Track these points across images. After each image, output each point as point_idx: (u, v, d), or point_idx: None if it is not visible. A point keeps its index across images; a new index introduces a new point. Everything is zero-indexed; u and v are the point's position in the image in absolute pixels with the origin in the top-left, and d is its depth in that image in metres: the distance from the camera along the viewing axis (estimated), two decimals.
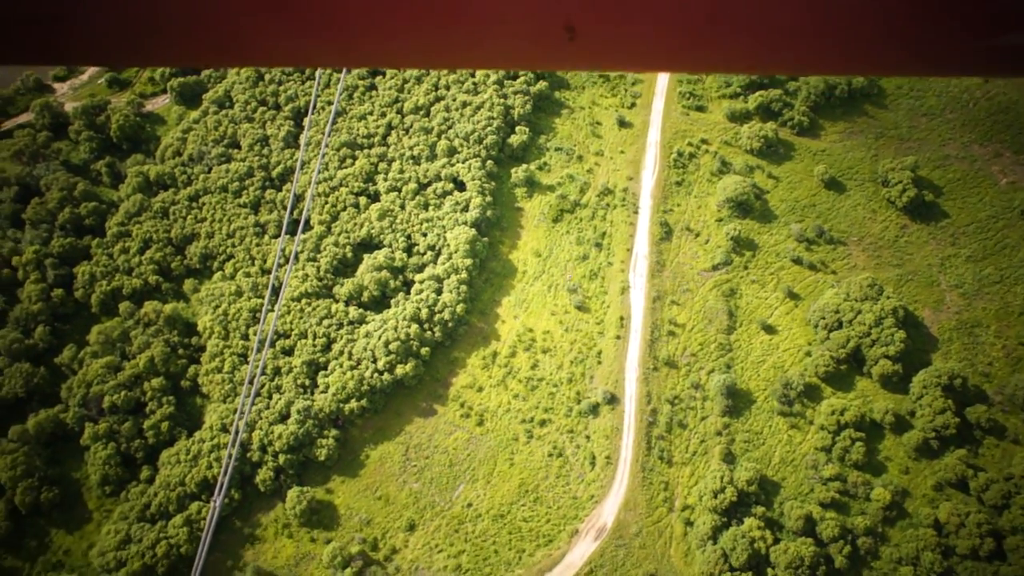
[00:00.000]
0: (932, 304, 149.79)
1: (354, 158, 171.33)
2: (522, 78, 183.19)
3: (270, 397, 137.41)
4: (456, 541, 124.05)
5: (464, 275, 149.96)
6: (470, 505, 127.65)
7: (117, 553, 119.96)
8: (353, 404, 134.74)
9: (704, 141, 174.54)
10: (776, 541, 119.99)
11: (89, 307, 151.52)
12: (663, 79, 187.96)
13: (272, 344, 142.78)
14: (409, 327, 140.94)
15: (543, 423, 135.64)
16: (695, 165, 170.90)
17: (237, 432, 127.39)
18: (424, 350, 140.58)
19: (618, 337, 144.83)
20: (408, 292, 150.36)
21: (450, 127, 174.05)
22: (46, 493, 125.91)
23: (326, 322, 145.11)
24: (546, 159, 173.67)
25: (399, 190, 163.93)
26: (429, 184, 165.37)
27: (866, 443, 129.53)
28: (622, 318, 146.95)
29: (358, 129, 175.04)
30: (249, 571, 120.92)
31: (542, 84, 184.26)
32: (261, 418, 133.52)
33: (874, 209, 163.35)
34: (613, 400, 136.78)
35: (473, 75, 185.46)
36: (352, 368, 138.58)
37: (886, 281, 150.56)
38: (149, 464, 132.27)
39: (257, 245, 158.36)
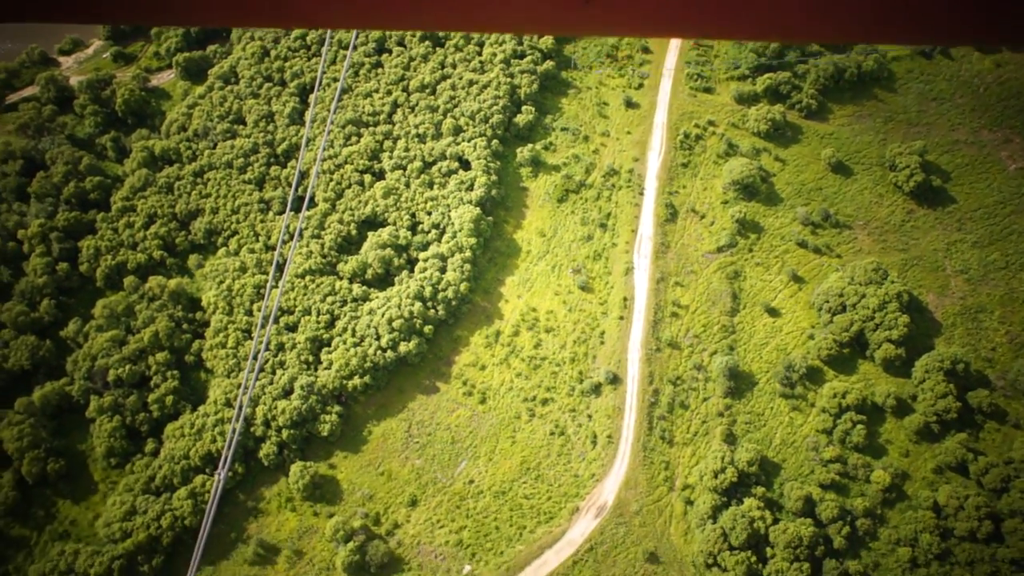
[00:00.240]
0: (937, 289, 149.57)
1: (359, 136, 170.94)
2: (529, 57, 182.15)
3: (274, 373, 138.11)
4: (457, 517, 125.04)
5: (468, 254, 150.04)
6: (472, 482, 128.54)
7: (123, 524, 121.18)
8: (356, 381, 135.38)
9: (711, 123, 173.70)
10: (775, 521, 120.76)
11: (94, 281, 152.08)
12: (671, 59, 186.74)
13: (276, 320, 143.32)
14: (412, 305, 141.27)
15: (545, 402, 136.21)
16: (701, 147, 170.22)
17: (241, 407, 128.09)
18: (427, 328, 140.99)
19: (621, 318, 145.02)
20: (412, 270, 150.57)
21: (456, 106, 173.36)
22: (52, 464, 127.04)
23: (330, 299, 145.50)
24: (552, 139, 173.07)
25: (404, 168, 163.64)
26: (434, 163, 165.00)
27: (867, 426, 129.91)
28: (626, 299, 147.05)
29: (364, 107, 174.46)
30: (253, 544, 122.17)
31: (549, 64, 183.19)
32: (265, 393, 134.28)
33: (881, 193, 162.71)
34: (615, 380, 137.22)
35: (480, 53, 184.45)
36: (355, 345, 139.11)
37: (891, 265, 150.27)
38: (154, 437, 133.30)
39: (261, 221, 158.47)
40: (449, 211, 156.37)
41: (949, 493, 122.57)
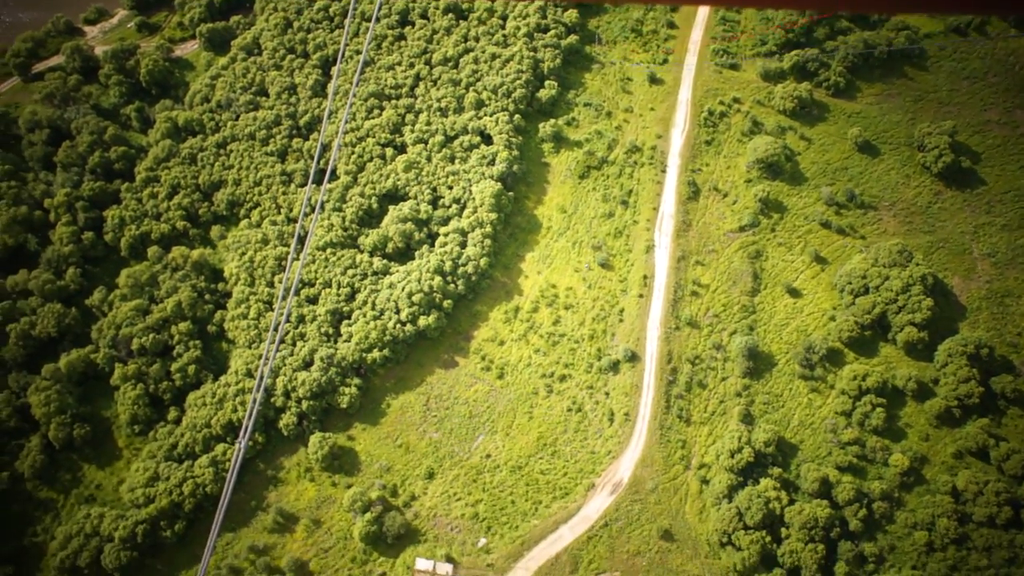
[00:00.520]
0: (962, 272, 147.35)
1: (381, 109, 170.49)
2: (552, 31, 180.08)
3: (294, 344, 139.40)
4: (474, 490, 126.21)
5: (488, 229, 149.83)
6: (488, 456, 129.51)
7: (146, 490, 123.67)
8: (376, 354, 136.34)
9: (736, 100, 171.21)
10: (791, 502, 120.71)
11: (118, 250, 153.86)
12: (696, 34, 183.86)
13: (297, 292, 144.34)
14: (432, 279, 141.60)
15: (563, 378, 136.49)
16: (726, 124, 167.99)
17: (262, 377, 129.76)
18: (447, 303, 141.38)
19: (641, 296, 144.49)
20: (432, 244, 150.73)
21: (478, 79, 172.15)
22: (78, 430, 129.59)
23: (350, 272, 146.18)
24: (574, 114, 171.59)
25: (426, 142, 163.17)
26: (456, 137, 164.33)
27: (887, 409, 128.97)
28: (645, 277, 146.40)
29: (386, 79, 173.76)
30: (272, 512, 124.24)
31: (573, 38, 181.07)
32: (285, 364, 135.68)
33: (908, 174, 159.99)
34: (634, 358, 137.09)
35: (503, 27, 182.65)
36: (375, 318, 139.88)
37: (916, 248, 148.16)
38: (176, 406, 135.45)
39: (284, 193, 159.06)
40: (470, 186, 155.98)
41: (968, 478, 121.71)
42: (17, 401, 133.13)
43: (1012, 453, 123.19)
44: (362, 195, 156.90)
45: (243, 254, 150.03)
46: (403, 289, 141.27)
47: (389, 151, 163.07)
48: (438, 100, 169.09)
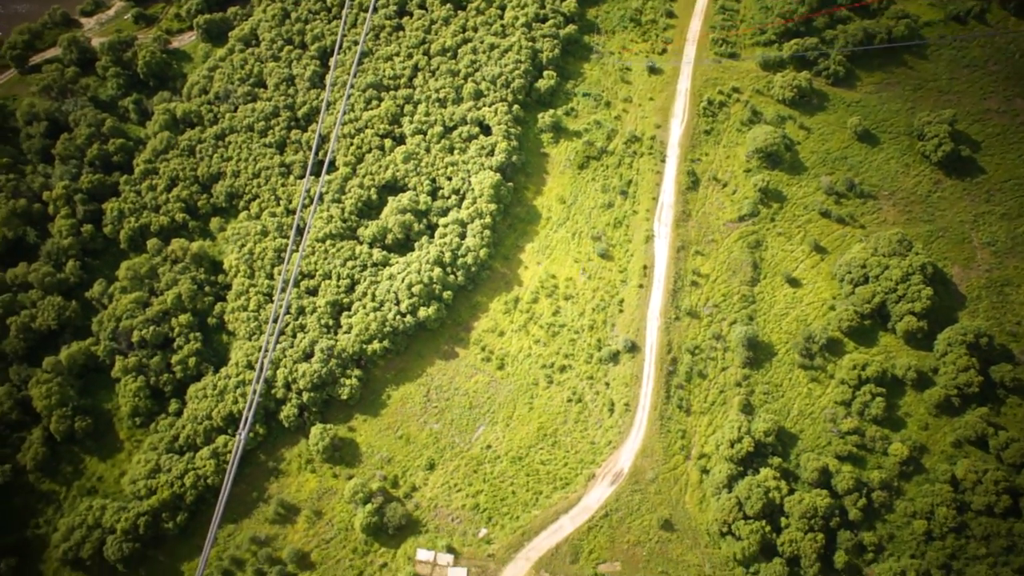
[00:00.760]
0: (962, 261, 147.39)
1: (380, 99, 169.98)
2: (551, 21, 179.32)
3: (294, 336, 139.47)
4: (475, 481, 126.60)
5: (488, 220, 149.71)
6: (489, 447, 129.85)
7: (148, 481, 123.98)
8: (376, 345, 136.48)
9: (735, 90, 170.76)
10: (791, 491, 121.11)
11: (118, 243, 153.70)
12: (696, 24, 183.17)
13: (296, 284, 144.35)
14: (432, 270, 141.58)
15: (563, 369, 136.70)
16: (725, 114, 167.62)
17: (262, 369, 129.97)
18: (447, 294, 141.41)
19: (640, 286, 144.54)
20: (432, 235, 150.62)
21: (477, 70, 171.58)
22: (79, 422, 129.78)
23: (350, 263, 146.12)
24: (573, 104, 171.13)
25: (424, 133, 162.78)
26: (455, 127, 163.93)
27: (886, 398, 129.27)
28: (645, 267, 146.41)
29: (384, 70, 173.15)
30: (273, 503, 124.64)
31: (571, 28, 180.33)
32: (285, 356, 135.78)
33: (907, 163, 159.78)
34: (633, 348, 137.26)
35: (502, 16, 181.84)
36: (375, 310, 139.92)
37: (916, 237, 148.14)
38: (177, 398, 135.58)
39: (282, 185, 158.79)
40: (469, 176, 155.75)
41: (967, 467, 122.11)
42: (18, 394, 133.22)
43: (1011, 442, 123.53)
44: (361, 186, 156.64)
45: (242, 246, 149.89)
46: (403, 280, 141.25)
47: (388, 142, 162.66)
48: (437, 91, 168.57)
